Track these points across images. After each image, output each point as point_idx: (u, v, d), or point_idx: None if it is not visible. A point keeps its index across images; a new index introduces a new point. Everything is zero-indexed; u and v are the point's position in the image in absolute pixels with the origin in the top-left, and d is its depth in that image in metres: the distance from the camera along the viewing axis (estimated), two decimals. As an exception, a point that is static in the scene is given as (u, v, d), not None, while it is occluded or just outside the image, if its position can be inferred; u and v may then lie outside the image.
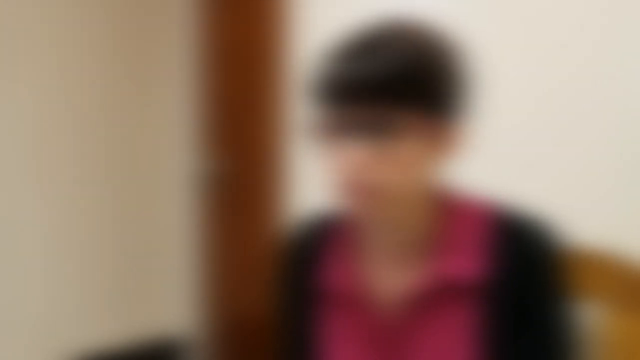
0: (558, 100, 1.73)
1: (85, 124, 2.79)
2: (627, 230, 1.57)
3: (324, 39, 0.95)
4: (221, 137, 2.91)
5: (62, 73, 2.71)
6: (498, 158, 1.78)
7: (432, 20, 0.96)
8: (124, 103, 2.87)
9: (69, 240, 2.80)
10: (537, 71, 1.76)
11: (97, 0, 2.77)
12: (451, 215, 0.98)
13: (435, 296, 0.96)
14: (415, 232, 0.97)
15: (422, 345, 0.97)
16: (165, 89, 2.97)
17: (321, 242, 1.06)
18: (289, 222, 1.14)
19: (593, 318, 1.20)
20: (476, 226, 0.97)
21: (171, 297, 3.07)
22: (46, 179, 2.73)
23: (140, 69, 2.90)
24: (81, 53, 2.75)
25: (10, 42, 2.59)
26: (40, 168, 2.71)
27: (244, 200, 2.84)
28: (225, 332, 2.98)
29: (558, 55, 1.72)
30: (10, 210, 2.66)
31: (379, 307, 0.99)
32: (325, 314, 1.03)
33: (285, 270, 1.10)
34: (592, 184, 1.67)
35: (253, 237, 2.78)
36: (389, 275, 0.99)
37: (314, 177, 1.03)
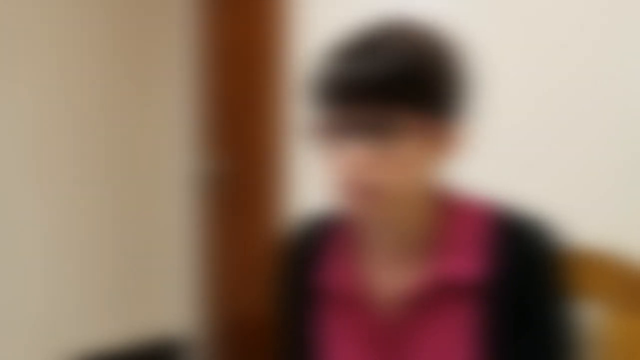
0: (558, 100, 1.73)
1: (85, 124, 2.79)
2: (627, 230, 1.57)
3: (324, 39, 0.95)
4: (221, 137, 2.91)
5: (62, 73, 2.71)
6: (498, 158, 1.78)
7: (432, 20, 0.96)
8: (124, 103, 2.87)
9: (69, 240, 2.80)
10: (537, 71, 1.76)
11: (97, 0, 2.77)
12: (451, 215, 0.98)
13: (435, 296, 0.96)
14: (415, 232, 0.97)
15: (422, 345, 0.97)
16: (165, 89, 2.97)
17: (321, 241, 1.06)
18: (288, 222, 1.14)
19: (593, 318, 1.20)
20: (476, 226, 0.97)
21: (171, 297, 3.07)
22: (46, 179, 2.72)
23: (140, 69, 2.90)
24: (81, 53, 2.75)
25: (10, 42, 2.59)
26: (40, 168, 2.71)
27: (244, 200, 2.84)
28: (225, 332, 2.98)
29: (558, 55, 1.72)
30: (10, 210, 2.66)
31: (379, 307, 0.99)
32: (325, 314, 1.03)
33: (284, 270, 1.10)
34: (592, 184, 1.67)
35: (253, 237, 2.78)
36: (389, 275, 0.99)
37: (314, 177, 1.03)
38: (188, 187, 3.05)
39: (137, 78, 2.90)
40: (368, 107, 0.87)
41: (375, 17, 0.94)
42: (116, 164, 2.88)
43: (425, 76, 0.89)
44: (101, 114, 2.82)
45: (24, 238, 2.70)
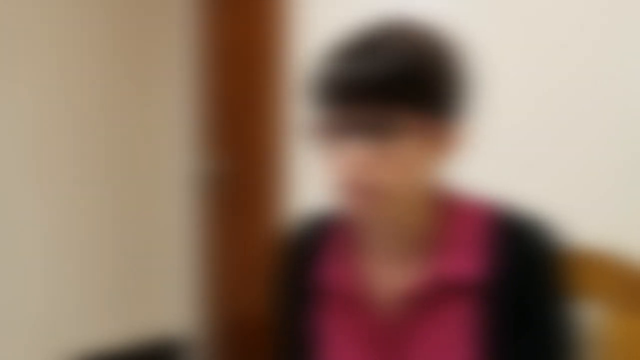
0: (558, 100, 1.73)
1: (85, 124, 2.79)
2: (627, 230, 1.57)
3: (324, 39, 0.95)
4: (221, 137, 2.92)
5: (62, 73, 2.71)
6: (498, 158, 1.78)
7: (432, 20, 0.96)
8: (124, 103, 2.87)
9: (69, 240, 2.80)
10: (537, 71, 1.76)
11: (97, 0, 2.77)
12: (451, 215, 0.98)
13: (435, 295, 0.96)
14: (415, 231, 0.97)
15: (422, 345, 0.97)
16: (165, 89, 2.97)
17: (320, 241, 1.06)
18: (288, 222, 1.14)
19: (593, 318, 1.20)
20: (476, 226, 0.97)
21: (171, 297, 3.07)
22: (46, 179, 2.73)
23: (140, 69, 2.90)
24: (81, 53, 2.75)
25: (10, 42, 2.59)
26: (40, 168, 2.71)
27: (244, 200, 2.84)
28: (225, 332, 2.98)
29: (558, 55, 1.72)
30: (10, 210, 2.66)
31: (379, 306, 0.99)
32: (325, 314, 1.03)
33: (284, 270, 1.10)
34: (592, 184, 1.67)
35: (253, 237, 2.78)
36: (389, 275, 0.99)
37: (314, 177, 1.03)
38: (188, 187, 3.05)
39: (137, 78, 2.90)
40: (368, 107, 0.87)
41: (375, 17, 0.94)
42: (116, 164, 2.88)
43: (425, 76, 0.89)
44: (101, 114, 2.82)
45: (24, 238, 2.70)
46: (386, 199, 0.91)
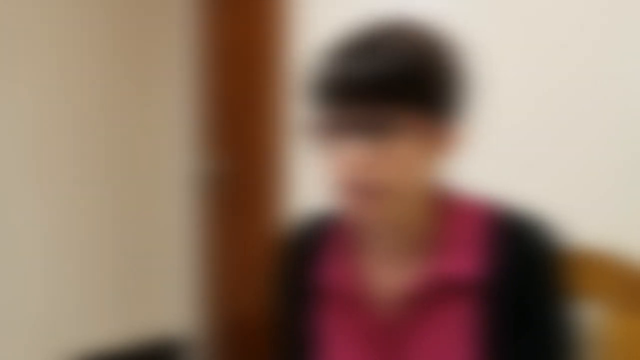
0: (558, 100, 1.73)
1: (85, 124, 2.79)
2: (627, 230, 1.56)
3: (324, 39, 0.95)
4: (221, 137, 2.92)
5: (62, 73, 2.71)
6: (498, 158, 1.78)
7: (431, 20, 0.96)
8: (124, 103, 2.87)
9: (69, 240, 2.80)
10: (537, 71, 1.76)
11: (97, 0, 2.77)
12: (450, 214, 0.98)
13: (434, 295, 0.96)
14: (414, 231, 0.97)
15: (421, 344, 0.97)
16: (165, 89, 2.97)
17: (320, 240, 1.06)
18: (288, 222, 1.14)
19: (593, 318, 1.20)
20: (475, 225, 0.97)
21: (171, 297, 3.07)
22: (46, 179, 2.72)
23: (140, 69, 2.90)
24: (81, 53, 2.75)
25: (10, 42, 2.59)
26: (40, 168, 2.71)
27: (244, 200, 2.84)
28: (225, 332, 2.98)
29: (558, 55, 1.72)
30: (10, 210, 2.66)
31: (378, 305, 0.99)
32: (324, 313, 1.03)
33: (284, 270, 1.10)
34: (592, 184, 1.67)
35: (253, 237, 2.78)
36: (388, 274, 0.99)
37: (313, 176, 1.02)
38: (188, 187, 3.05)
39: (137, 78, 2.90)
40: (367, 106, 0.87)
41: (374, 17, 0.94)
42: (116, 164, 2.88)
43: (423, 75, 0.89)
44: (101, 114, 2.82)
45: (24, 238, 2.70)
46: (385, 199, 0.91)
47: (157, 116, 2.97)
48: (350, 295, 1.01)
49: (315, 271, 1.04)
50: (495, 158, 1.76)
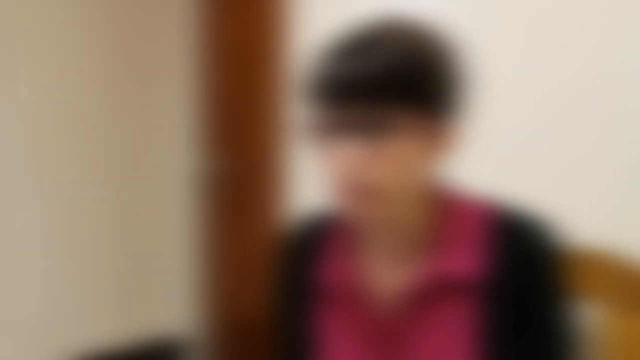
0: (558, 100, 1.73)
1: (85, 124, 2.79)
2: (627, 230, 1.56)
3: (323, 39, 0.95)
4: (221, 137, 2.92)
5: (62, 73, 2.71)
6: (498, 158, 1.78)
7: (429, 19, 0.96)
8: (124, 103, 2.87)
9: (69, 240, 2.80)
10: (537, 71, 1.76)
11: (97, 0, 2.77)
12: (450, 214, 0.98)
13: (434, 294, 0.96)
14: (413, 230, 0.97)
15: (421, 344, 0.97)
16: (165, 89, 2.97)
17: (319, 240, 1.06)
18: (288, 222, 1.15)
19: (593, 318, 1.20)
20: (475, 225, 0.97)
21: (171, 297, 3.07)
22: (46, 179, 2.73)
23: (140, 69, 2.90)
24: (81, 53, 2.75)
25: (10, 42, 2.59)
26: (40, 168, 2.71)
27: (243, 200, 2.84)
28: (225, 332, 2.98)
29: (558, 56, 1.72)
30: (10, 210, 2.66)
31: (378, 305, 0.99)
32: (324, 313, 1.03)
33: (283, 269, 1.10)
34: (592, 184, 1.67)
35: (253, 237, 2.78)
36: (388, 273, 0.99)
37: (313, 176, 1.02)
38: (188, 187, 3.05)
39: (137, 78, 2.90)
40: (363, 106, 0.87)
41: (370, 16, 0.94)
42: (116, 164, 2.88)
43: (420, 75, 0.88)
44: (101, 114, 2.82)
45: (24, 238, 2.70)
46: (383, 199, 0.90)
47: (157, 116, 2.97)
48: (350, 295, 1.01)
49: (315, 271, 1.04)
50: (495, 158, 1.76)
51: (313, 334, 1.05)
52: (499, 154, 1.78)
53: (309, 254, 1.06)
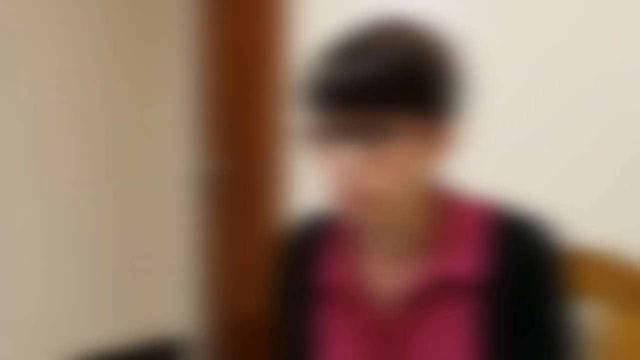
0: (558, 100, 1.73)
1: (85, 124, 2.79)
2: (627, 230, 1.57)
3: (322, 40, 0.94)
4: (221, 137, 2.92)
5: (62, 73, 2.71)
6: (498, 158, 1.78)
7: (428, 20, 0.96)
8: (124, 103, 2.87)
9: (69, 240, 2.80)
10: (537, 71, 1.76)
11: (97, 0, 2.77)
12: (450, 214, 0.98)
13: (434, 294, 0.96)
14: (413, 231, 0.97)
15: (421, 344, 0.97)
16: (165, 89, 2.97)
17: (319, 240, 1.06)
18: (288, 222, 1.15)
19: (593, 318, 1.20)
20: (475, 225, 0.97)
21: (171, 297, 3.07)
22: (46, 179, 2.72)
23: (140, 69, 2.90)
24: (81, 53, 2.75)
25: (10, 42, 2.59)
26: (40, 168, 2.71)
27: (243, 200, 2.84)
28: (225, 332, 2.98)
29: (558, 56, 1.72)
30: (10, 210, 2.66)
31: (378, 305, 0.99)
32: (324, 313, 1.03)
33: (283, 270, 1.10)
34: (592, 184, 1.67)
35: (253, 237, 2.78)
36: (388, 274, 0.99)
37: (313, 176, 1.02)
38: (188, 187, 3.05)
39: (137, 78, 2.90)
40: (362, 111, 0.86)
41: (367, 18, 0.93)
42: (116, 164, 2.88)
43: (420, 77, 0.87)
44: (101, 114, 2.82)
45: (24, 238, 2.70)
46: (382, 203, 0.90)
47: (157, 116, 2.97)
48: (350, 295, 1.01)
49: (315, 271, 1.04)
50: (495, 158, 1.76)
51: (313, 334, 1.05)
52: (498, 154, 1.78)
53: (309, 254, 1.06)
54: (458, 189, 1.00)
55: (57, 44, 2.70)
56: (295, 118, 0.98)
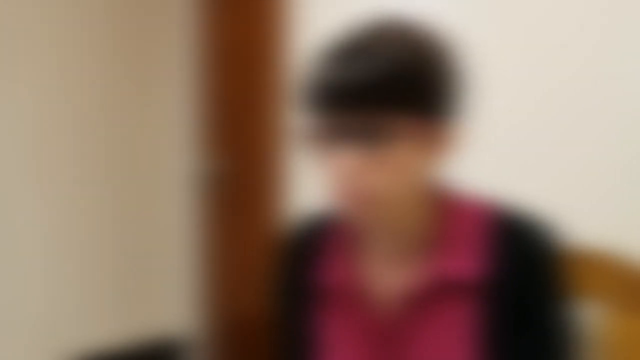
0: (558, 100, 1.73)
1: (85, 124, 2.79)
2: (627, 230, 1.57)
3: (322, 40, 0.94)
4: (221, 137, 2.92)
5: (62, 73, 2.71)
6: (498, 158, 1.78)
7: (427, 20, 0.95)
8: (124, 103, 2.87)
9: (69, 240, 2.80)
10: (537, 71, 1.76)
11: (97, 0, 2.77)
12: (450, 215, 0.97)
13: (434, 295, 0.96)
14: (414, 232, 0.97)
15: (421, 344, 0.97)
16: (165, 89, 2.97)
17: (320, 240, 1.06)
18: (288, 222, 1.15)
19: (593, 318, 1.20)
20: (475, 225, 0.97)
21: (171, 297, 3.07)
22: (46, 179, 2.72)
23: (140, 69, 2.90)
24: (81, 53, 2.75)
25: (10, 42, 2.59)
26: (40, 168, 2.71)
27: (243, 200, 2.84)
28: (225, 332, 2.98)
29: (558, 56, 1.72)
30: (10, 210, 2.66)
31: (379, 306, 0.99)
32: (324, 313, 1.03)
33: (284, 270, 1.10)
34: (592, 184, 1.67)
35: (253, 237, 2.78)
36: (388, 274, 0.99)
37: (313, 176, 1.02)
38: (188, 187, 3.05)
39: (137, 78, 2.90)
40: (361, 113, 0.85)
41: (367, 18, 0.93)
42: (116, 164, 2.88)
43: (417, 78, 0.87)
44: (101, 114, 2.82)
45: (24, 238, 2.70)
46: (382, 204, 0.90)
47: (157, 116, 2.97)
48: (351, 296, 1.01)
49: (315, 271, 1.04)
50: (495, 158, 1.76)
51: (313, 335, 1.05)
52: (498, 154, 1.78)
53: (309, 254, 1.06)
54: (458, 189, 1.00)
55: (57, 44, 2.70)
56: (295, 118, 0.98)
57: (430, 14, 1.10)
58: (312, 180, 1.17)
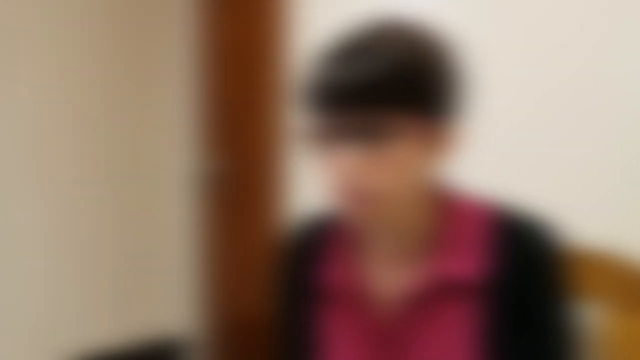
0: (558, 100, 1.73)
1: (85, 124, 2.79)
2: (627, 230, 1.57)
3: (322, 40, 0.94)
4: (221, 137, 2.92)
5: (62, 73, 2.71)
6: (498, 158, 1.78)
7: (427, 20, 0.95)
8: (124, 103, 2.87)
9: (69, 240, 2.80)
10: (537, 71, 1.76)
11: (97, 0, 2.77)
12: (451, 215, 0.98)
13: (435, 295, 0.96)
14: (414, 232, 0.97)
15: (423, 345, 0.97)
16: (165, 89, 2.97)
17: (320, 241, 1.06)
18: (288, 222, 1.15)
19: (593, 318, 1.20)
20: (476, 226, 0.97)
21: (171, 297, 3.07)
22: (46, 179, 2.72)
23: (140, 69, 2.90)
24: (81, 53, 2.75)
25: (10, 42, 2.59)
26: (40, 168, 2.71)
27: (243, 201, 2.84)
28: (225, 332, 2.98)
29: (558, 56, 1.72)
30: (10, 210, 2.66)
31: (379, 306, 0.99)
32: (325, 314, 1.03)
33: (284, 270, 1.10)
34: (592, 184, 1.67)
35: (253, 237, 2.78)
36: (389, 275, 0.99)
37: (313, 176, 1.02)
38: (188, 187, 3.05)
39: (137, 78, 2.90)
40: (362, 112, 0.86)
41: (367, 18, 0.93)
42: (116, 164, 2.88)
43: (417, 78, 0.87)
44: (101, 114, 2.82)
45: (24, 238, 2.70)
46: (383, 204, 0.90)
47: (157, 116, 2.97)
48: (352, 296, 1.01)
49: (316, 272, 1.04)
50: (495, 158, 1.76)
51: (314, 335, 1.05)
52: (499, 154, 1.78)
53: (310, 254, 1.06)
54: (458, 189, 1.00)
55: (57, 44, 2.70)
56: (295, 118, 0.98)
57: (430, 14, 1.10)
58: (312, 180, 1.17)
